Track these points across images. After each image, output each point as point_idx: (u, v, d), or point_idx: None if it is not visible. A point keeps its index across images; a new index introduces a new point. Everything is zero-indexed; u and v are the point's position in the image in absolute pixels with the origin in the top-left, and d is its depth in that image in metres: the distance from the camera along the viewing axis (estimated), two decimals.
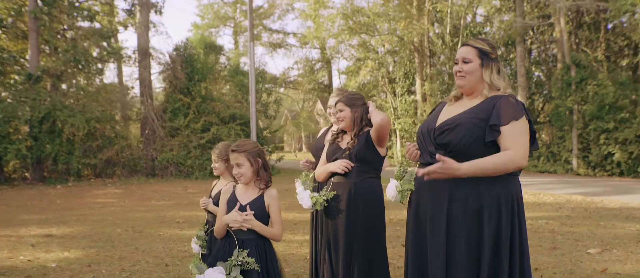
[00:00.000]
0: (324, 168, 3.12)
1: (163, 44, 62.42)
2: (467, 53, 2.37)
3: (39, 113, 15.00)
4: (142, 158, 17.53)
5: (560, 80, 15.98)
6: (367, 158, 2.99)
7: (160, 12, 18.90)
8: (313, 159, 3.76)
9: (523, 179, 2.48)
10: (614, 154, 14.15)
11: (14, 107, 14.89)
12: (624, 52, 17.81)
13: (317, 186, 3.18)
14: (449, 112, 2.42)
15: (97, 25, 17.82)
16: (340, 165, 2.99)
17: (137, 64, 18.64)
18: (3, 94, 16.30)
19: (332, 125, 3.61)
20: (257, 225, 2.47)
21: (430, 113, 2.62)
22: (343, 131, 3.13)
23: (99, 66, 18.18)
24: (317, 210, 3.13)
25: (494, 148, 2.23)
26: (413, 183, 2.51)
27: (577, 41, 18.01)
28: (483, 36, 22.58)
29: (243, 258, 2.37)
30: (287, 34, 32.99)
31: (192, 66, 18.77)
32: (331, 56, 30.07)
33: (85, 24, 17.59)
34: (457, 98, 2.50)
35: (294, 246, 5.78)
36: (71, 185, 15.11)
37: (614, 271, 4.49)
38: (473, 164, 2.14)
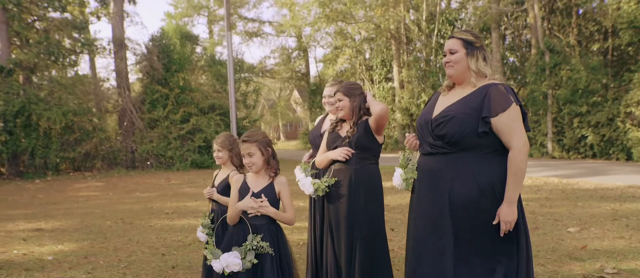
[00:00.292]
0: (324, 156, 3.22)
1: (139, 34, 61.11)
2: (453, 44, 2.53)
3: (13, 107, 14.63)
4: (122, 151, 17.32)
5: (534, 65, 16.42)
6: (367, 145, 3.11)
7: (134, 2, 18.55)
8: (310, 151, 3.87)
9: None
10: (587, 137, 14.68)
11: None
12: (595, 37, 18.36)
13: (317, 173, 3.29)
14: (443, 102, 2.56)
15: (69, 16, 17.37)
16: (342, 152, 3.10)
17: (112, 55, 18.29)
18: None
19: (327, 114, 3.71)
20: (272, 211, 2.57)
21: (426, 103, 2.75)
22: (342, 120, 3.24)
23: (73, 57, 17.77)
24: (317, 197, 3.25)
25: (487, 135, 2.39)
26: (416, 171, 2.64)
27: (550, 26, 18.47)
28: (459, 22, 22.94)
29: (258, 242, 2.48)
30: (262, 23, 32.77)
31: (169, 57, 18.55)
32: (308, 45, 30.07)
33: (57, 14, 17.13)
34: (450, 87, 2.64)
35: (286, 232, 5.87)
36: (50, 179, 14.85)
37: (593, 247, 4.76)
38: (511, 190, 2.35)
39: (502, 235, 2.35)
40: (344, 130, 3.18)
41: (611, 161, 14.05)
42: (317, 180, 3.14)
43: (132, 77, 20.29)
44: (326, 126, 3.54)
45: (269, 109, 44.96)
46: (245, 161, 2.63)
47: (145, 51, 18.61)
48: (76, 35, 17.28)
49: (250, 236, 2.51)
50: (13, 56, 15.59)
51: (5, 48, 15.41)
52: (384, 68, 25.86)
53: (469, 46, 2.51)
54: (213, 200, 3.39)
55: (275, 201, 2.63)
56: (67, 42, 17.52)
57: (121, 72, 17.99)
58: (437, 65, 22.86)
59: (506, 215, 2.32)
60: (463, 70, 2.51)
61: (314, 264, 3.45)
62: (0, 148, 14.39)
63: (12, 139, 14.87)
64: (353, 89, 3.13)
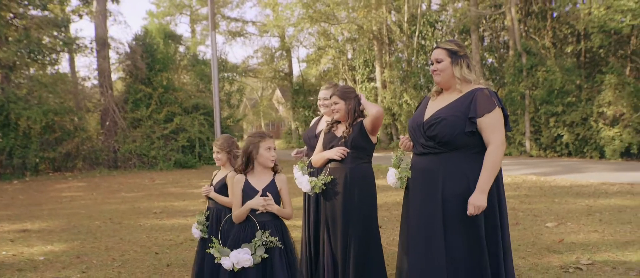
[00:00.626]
0: (320, 155, 3.38)
1: (122, 33, 60.26)
2: (439, 54, 2.76)
3: None
4: (104, 150, 17.15)
5: (512, 66, 16.86)
6: (361, 144, 3.28)
7: (118, 1, 18.39)
8: (302, 149, 4.03)
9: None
10: (562, 136, 15.16)
11: None
12: (568, 40, 18.95)
13: (313, 172, 3.44)
14: (433, 107, 2.79)
15: (50, 14, 17.10)
16: (338, 152, 3.27)
17: (95, 54, 18.08)
18: None
19: (322, 116, 3.87)
20: (276, 208, 2.72)
21: (417, 107, 2.97)
22: (337, 121, 3.41)
23: (54, 56, 17.51)
24: (312, 194, 3.41)
25: (474, 136, 2.62)
26: (410, 170, 2.83)
27: (526, 29, 18.98)
28: (439, 24, 23.35)
29: (267, 237, 2.62)
30: (246, 23, 32.70)
31: (152, 56, 18.43)
32: (291, 45, 30.17)
33: (38, 12, 16.86)
34: (438, 93, 2.85)
35: None
36: (28, 179, 14.63)
37: (570, 241, 5.03)
38: (483, 181, 2.54)
39: (470, 212, 2.53)
40: (340, 131, 3.34)
41: (585, 159, 14.54)
42: (314, 178, 3.29)
43: (114, 76, 20.12)
44: (321, 127, 3.69)
45: (251, 109, 44.85)
46: (271, 154, 2.80)
47: (128, 50, 18.44)
48: (56, 33, 17.03)
49: (258, 233, 2.65)
50: None
51: None
52: (367, 68, 26.14)
53: (453, 55, 2.73)
54: (210, 198, 3.52)
55: (277, 198, 2.78)
56: (47, 41, 17.25)
57: (104, 72, 17.80)
58: (418, 66, 23.23)
59: (476, 200, 2.52)
60: (449, 77, 2.73)
61: (307, 259, 3.60)
62: None
63: None
64: (348, 93, 3.30)
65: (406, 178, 2.83)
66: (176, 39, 21.32)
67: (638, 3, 13.05)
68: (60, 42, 17.20)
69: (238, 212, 2.73)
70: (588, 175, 10.41)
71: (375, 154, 3.50)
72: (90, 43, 18.02)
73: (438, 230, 2.61)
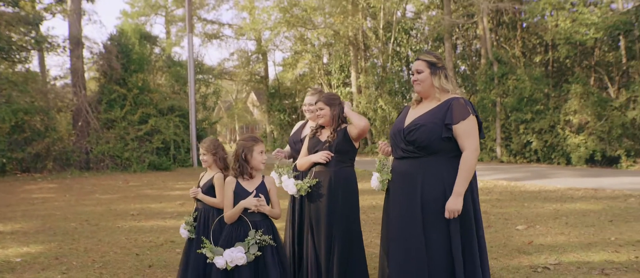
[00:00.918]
0: (306, 159, 3.51)
1: (97, 33, 58.84)
2: (419, 66, 2.97)
3: None
4: (75, 151, 16.79)
5: (484, 74, 17.36)
6: (345, 149, 3.43)
7: (93, 0, 18.08)
8: (283, 150, 4.14)
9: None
10: (531, 142, 15.71)
11: None
12: (537, 50, 19.67)
13: (298, 175, 3.56)
14: (413, 114, 2.98)
15: (21, 11, 16.67)
16: (322, 156, 3.40)
17: (68, 53, 17.71)
18: None
19: (307, 121, 3.99)
20: (267, 209, 2.84)
21: (398, 116, 3.18)
22: (321, 126, 3.54)
23: (24, 54, 17.07)
24: (298, 197, 3.52)
25: (450, 141, 2.81)
26: (390, 174, 2.99)
27: (497, 38, 19.60)
28: (414, 31, 23.83)
29: (260, 236, 2.73)
30: (222, 25, 32.56)
31: (128, 56, 18.19)
32: (267, 48, 30.21)
33: (8, 9, 16.42)
34: (418, 101, 3.04)
35: None
36: None
37: (539, 243, 5.29)
38: (459, 185, 2.73)
39: (447, 216, 2.72)
40: (324, 136, 3.48)
41: (553, 165, 15.10)
42: (299, 181, 3.41)
43: (87, 76, 19.74)
44: (306, 132, 3.82)
45: (225, 111, 44.55)
46: (262, 159, 2.91)
47: (103, 50, 18.14)
48: (24, 30, 16.60)
49: (251, 232, 2.75)
50: None
51: None
52: (342, 73, 26.41)
53: (432, 66, 2.93)
54: (198, 200, 3.59)
55: (266, 199, 2.89)
56: (17, 38, 16.80)
57: (77, 71, 17.46)
58: (393, 71, 23.64)
59: (451, 205, 2.72)
60: (428, 86, 2.93)
61: (291, 260, 3.70)
62: None
63: None
64: (333, 99, 3.44)
65: (387, 181, 2.99)
66: (151, 40, 21.09)
67: (601, 17, 13.69)
68: (32, 40, 16.80)
69: (231, 212, 2.82)
70: (555, 181, 10.85)
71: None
72: (64, 42, 17.67)
73: (418, 230, 2.77)
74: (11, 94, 15.48)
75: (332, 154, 3.39)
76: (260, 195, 2.83)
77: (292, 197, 3.65)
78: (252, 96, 46.50)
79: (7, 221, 7.22)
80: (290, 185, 3.43)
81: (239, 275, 2.76)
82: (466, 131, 2.77)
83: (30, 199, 10.02)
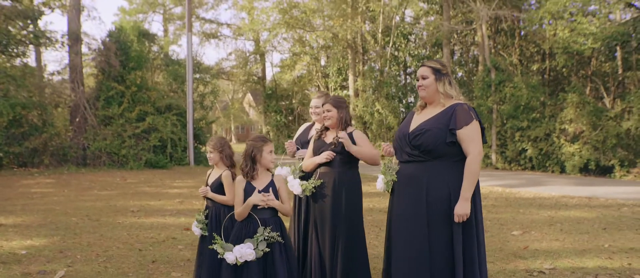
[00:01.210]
0: (311, 161, 3.61)
1: (96, 29, 58.52)
2: (424, 71, 3.07)
3: None
4: (73, 147, 16.78)
5: (481, 81, 17.52)
6: (348, 153, 3.52)
7: None
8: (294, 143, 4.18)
9: None
10: (526, 150, 15.87)
11: None
12: (534, 58, 19.88)
13: (304, 176, 3.66)
14: (418, 120, 3.08)
15: (19, 5, 16.65)
16: (324, 156, 3.50)
17: (67, 49, 17.71)
18: None
19: (313, 123, 4.09)
20: (277, 203, 2.93)
21: (402, 120, 3.28)
22: (326, 128, 3.64)
23: (22, 48, 17.04)
24: (303, 197, 3.62)
25: (454, 146, 2.91)
26: (395, 175, 3.09)
27: (495, 45, 19.79)
28: (412, 36, 24.00)
29: (268, 233, 2.82)
30: (221, 25, 32.58)
31: (126, 54, 18.21)
32: (265, 49, 30.27)
33: (7, 3, 16.41)
34: (423, 107, 3.14)
35: None
36: None
37: (534, 248, 5.41)
38: (465, 189, 2.84)
39: (456, 221, 2.83)
40: (329, 138, 3.58)
41: (547, 173, 15.27)
42: (304, 182, 3.51)
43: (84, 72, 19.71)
44: (312, 133, 3.92)
45: (222, 111, 44.57)
46: (271, 158, 3.00)
47: (102, 46, 18.15)
48: (22, 24, 16.56)
49: (260, 229, 2.84)
50: None
51: None
52: (340, 76, 26.51)
53: (437, 72, 3.03)
54: (207, 198, 3.67)
55: (276, 197, 2.98)
56: (15, 32, 16.76)
57: (76, 67, 17.45)
58: (391, 75, 23.78)
59: (460, 209, 2.82)
60: (433, 92, 3.03)
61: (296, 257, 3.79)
62: None
63: None
64: (340, 102, 3.55)
65: (391, 182, 3.08)
66: (150, 37, 21.10)
67: (599, 28, 13.88)
68: (30, 35, 16.78)
69: (240, 210, 2.91)
70: (549, 188, 11.00)
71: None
72: (62, 37, 17.66)
73: (422, 231, 2.87)
74: (9, 89, 15.46)
75: (334, 154, 3.47)
76: (269, 190, 2.92)
77: (298, 197, 3.74)
78: (249, 96, 46.58)
79: (8, 215, 7.26)
80: (296, 185, 3.52)
81: (248, 271, 2.85)
82: (470, 136, 2.87)
83: (29, 193, 10.04)
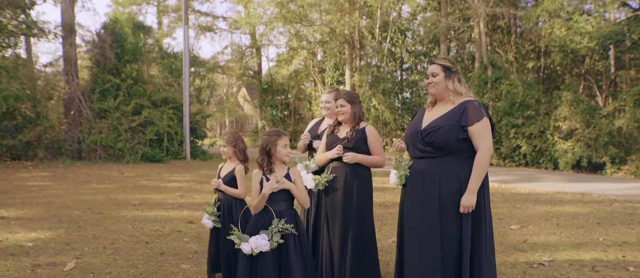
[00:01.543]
0: (323, 156, 3.69)
1: (90, 21, 57.66)
2: (434, 69, 3.15)
3: None
4: (67, 140, 16.71)
5: (478, 78, 17.67)
6: (361, 148, 3.61)
7: None
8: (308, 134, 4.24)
9: None
10: (521, 146, 16.06)
11: None
12: (530, 56, 20.07)
13: (317, 171, 3.74)
14: (429, 117, 3.17)
15: None
16: (335, 150, 3.59)
17: (60, 40, 17.59)
18: None
19: (323, 118, 4.16)
20: (292, 186, 3.00)
21: (413, 117, 3.35)
22: (339, 123, 3.72)
23: (13, 39, 16.87)
24: (316, 191, 3.70)
25: (466, 142, 3.00)
26: (408, 169, 3.17)
27: (491, 42, 19.94)
28: (409, 32, 24.09)
29: (283, 225, 2.89)
30: (216, 18, 32.46)
31: (122, 46, 18.14)
32: (261, 43, 30.23)
33: None
34: (433, 104, 3.22)
35: None
36: None
37: (532, 241, 5.54)
38: (473, 182, 2.94)
39: (462, 211, 2.94)
40: (342, 133, 3.66)
41: (541, 170, 15.47)
42: (317, 176, 3.59)
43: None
44: (322, 128, 4.00)
45: (216, 105, 44.46)
46: (286, 151, 3.07)
47: (97, 38, 18.04)
48: (12, 14, 16.37)
49: (275, 220, 2.91)
50: None
51: None
52: (337, 71, 26.56)
53: (447, 70, 3.11)
54: (219, 190, 3.74)
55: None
56: (6, 22, 16.56)
57: (70, 59, 17.34)
58: (387, 71, 23.90)
59: (466, 200, 2.93)
60: (443, 89, 3.11)
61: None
62: None
63: None
64: (354, 98, 3.63)
65: (404, 177, 3.17)
66: (145, 30, 21.00)
67: (595, 27, 14.05)
68: (23, 26, 16.62)
69: (256, 202, 2.99)
70: (544, 184, 11.17)
71: None
72: (55, 28, 17.52)
73: (434, 222, 2.97)
74: (1, 80, 15.34)
75: (343, 148, 3.55)
76: (277, 177, 3.00)
77: (310, 191, 3.81)
78: (243, 90, 46.46)
79: (9, 208, 7.27)
80: (309, 180, 3.60)
81: (263, 261, 2.93)
82: (480, 132, 2.96)
83: (26, 186, 10.03)
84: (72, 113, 17.33)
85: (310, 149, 4.08)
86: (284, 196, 3.04)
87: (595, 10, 14.97)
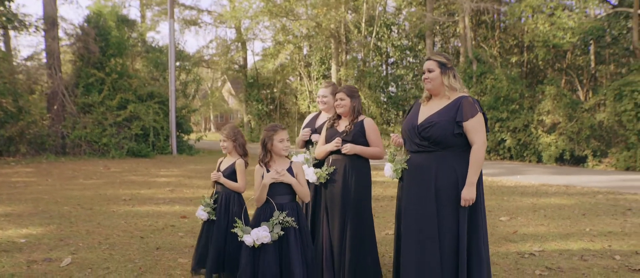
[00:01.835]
0: (323, 149, 3.73)
1: (73, 14, 56.49)
2: (430, 65, 3.22)
3: None
4: (51, 136, 16.43)
5: (463, 73, 17.87)
6: (360, 141, 3.66)
7: None
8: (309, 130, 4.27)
9: None
10: (505, 140, 16.33)
11: None
12: (513, 51, 20.36)
13: (317, 163, 3.79)
14: (425, 112, 3.23)
15: None
16: (334, 143, 3.64)
17: (42, 33, 17.23)
18: None
19: (320, 112, 4.20)
20: (293, 180, 3.05)
21: (409, 111, 3.41)
22: (338, 117, 3.77)
23: None
24: (317, 184, 3.74)
25: (461, 136, 3.09)
26: (405, 163, 3.24)
27: (476, 37, 20.16)
28: (395, 27, 24.20)
29: (283, 218, 2.94)
30: (201, 11, 32.14)
31: (106, 40, 17.86)
32: (246, 37, 30.05)
33: None
34: (428, 98, 3.29)
35: None
36: None
37: (522, 232, 5.68)
38: (471, 175, 3.01)
39: (463, 204, 3.02)
40: (341, 126, 3.71)
41: (525, 163, 15.76)
42: (318, 169, 3.64)
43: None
44: (319, 122, 4.04)
45: (201, 100, 44.09)
46: (283, 145, 3.10)
47: (80, 31, 17.73)
48: None
49: (276, 213, 2.96)
50: None
51: None
52: (323, 65, 26.58)
53: (442, 66, 3.19)
54: (217, 183, 3.76)
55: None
56: None
57: (53, 53, 17.01)
58: (373, 65, 24.00)
59: (466, 194, 3.01)
60: (438, 85, 3.19)
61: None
62: None
63: None
64: (353, 92, 3.67)
65: (401, 170, 3.24)
66: (129, 23, 20.70)
67: (577, 23, 14.33)
68: (2, 18, 16.25)
69: (257, 193, 3.03)
70: (529, 177, 11.40)
71: None
72: (37, 21, 17.16)
73: (431, 210, 3.05)
74: None
75: (341, 140, 3.60)
76: (277, 170, 3.05)
77: (318, 183, 3.85)
78: (228, 84, 46.14)
79: None
80: (310, 173, 3.64)
81: (265, 252, 2.98)
82: (475, 127, 3.05)
83: (10, 182, 9.86)
84: (55, 107, 17.03)
85: (308, 144, 4.12)
86: (286, 190, 3.08)
87: (577, 7, 15.26)
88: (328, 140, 3.73)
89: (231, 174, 3.69)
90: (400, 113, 23.88)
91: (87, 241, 5.01)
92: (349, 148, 3.59)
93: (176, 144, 18.51)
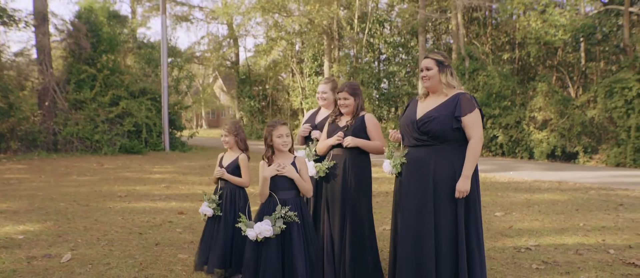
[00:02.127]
0: (324, 143, 3.76)
1: (64, 9, 55.91)
2: (428, 63, 3.29)
3: None
4: (43, 132, 16.29)
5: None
6: (360, 136, 3.70)
7: None
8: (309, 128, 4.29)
9: None
10: (497, 137, 16.47)
11: None
12: (505, 47, 20.51)
13: (318, 158, 3.82)
14: (423, 108, 3.31)
15: None
16: (335, 137, 3.68)
17: (32, 29, 17.03)
18: None
19: (320, 108, 4.22)
20: (295, 175, 3.08)
21: (406, 107, 3.48)
22: (340, 113, 3.80)
23: None
24: (317, 178, 3.77)
25: (459, 131, 3.16)
26: (404, 158, 3.29)
27: (468, 34, 20.27)
28: (387, 23, 24.26)
29: (286, 212, 2.97)
30: (193, 7, 31.98)
31: (98, 36, 17.71)
32: (238, 33, 29.94)
33: None
34: (426, 95, 3.36)
35: None
36: None
37: (517, 227, 5.76)
38: (467, 168, 3.09)
39: (457, 196, 3.08)
40: (343, 122, 3.74)
41: (517, 159, 15.92)
42: (319, 163, 3.67)
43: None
44: (319, 118, 4.07)
45: (193, 96, 43.86)
46: (283, 141, 3.12)
47: (71, 27, 17.55)
48: None
49: (278, 207, 2.99)
50: None
51: None
52: (315, 62, 26.57)
53: (440, 64, 3.27)
54: (221, 180, 3.77)
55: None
56: None
57: (43, 48, 16.83)
58: (365, 62, 24.04)
59: (461, 186, 3.09)
60: (436, 82, 3.27)
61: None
62: None
63: None
64: (356, 90, 3.71)
65: (400, 165, 3.29)
66: (120, 19, 20.53)
67: (569, 20, 14.47)
68: None
69: (260, 188, 3.06)
70: (521, 173, 11.52)
71: None
72: (27, 16, 16.97)
73: (429, 204, 3.11)
74: None
75: (342, 135, 3.64)
76: (279, 163, 3.09)
77: (317, 177, 3.87)
78: (220, 81, 45.96)
79: None
80: (311, 167, 3.67)
81: (268, 246, 3.01)
82: (472, 122, 3.13)
83: (4, 179, 9.79)
84: (46, 104, 16.88)
85: (307, 140, 4.14)
86: (289, 185, 3.11)
87: (568, 4, 15.41)
88: (329, 135, 3.76)
89: (235, 169, 3.70)
90: (393, 110, 23.97)
91: (85, 238, 5.00)
92: (350, 141, 3.62)
93: (169, 141, 18.43)
